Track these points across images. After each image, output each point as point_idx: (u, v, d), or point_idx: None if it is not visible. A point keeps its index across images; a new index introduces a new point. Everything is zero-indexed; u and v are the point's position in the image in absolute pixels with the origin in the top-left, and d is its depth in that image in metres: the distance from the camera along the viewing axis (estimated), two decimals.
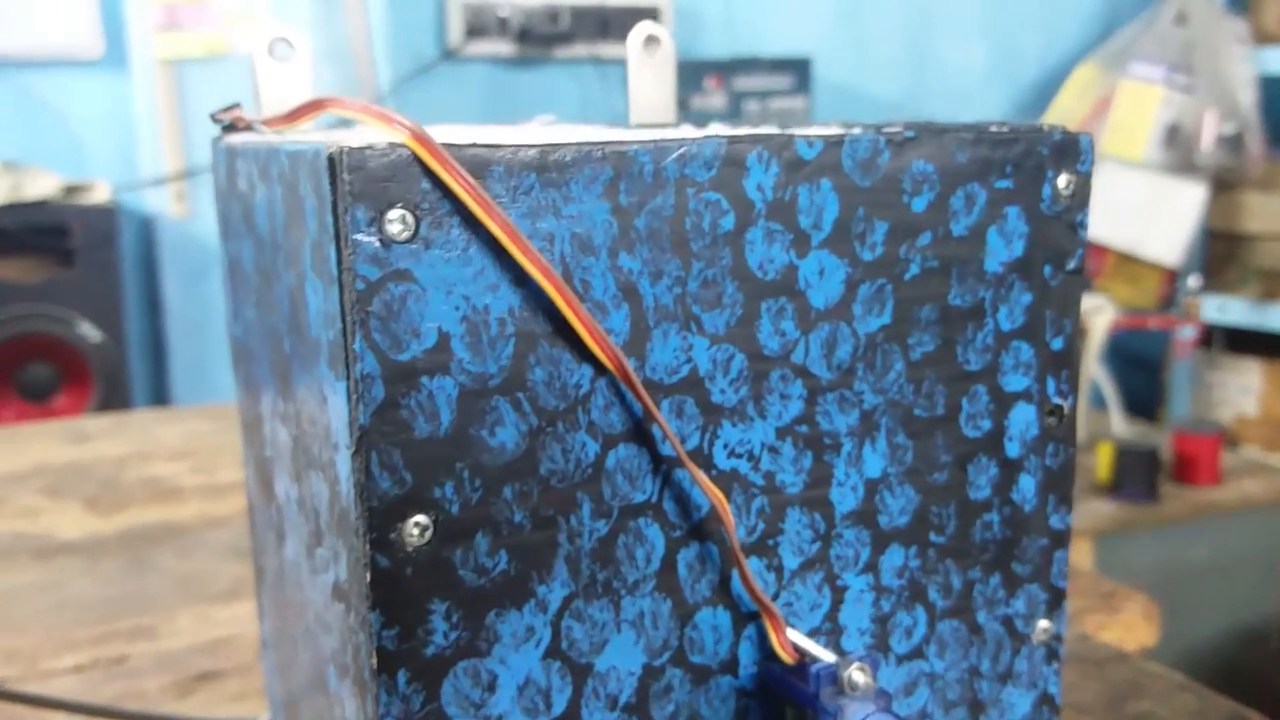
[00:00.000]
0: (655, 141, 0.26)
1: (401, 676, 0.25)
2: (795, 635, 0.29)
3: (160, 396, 1.87)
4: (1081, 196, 0.32)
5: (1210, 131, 1.87)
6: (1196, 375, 2.08)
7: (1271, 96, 1.91)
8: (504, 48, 1.84)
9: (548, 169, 0.25)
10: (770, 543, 0.29)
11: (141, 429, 1.10)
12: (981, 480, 0.32)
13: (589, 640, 0.27)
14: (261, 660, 0.43)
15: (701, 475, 0.27)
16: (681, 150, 0.26)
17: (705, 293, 0.27)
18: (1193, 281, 1.99)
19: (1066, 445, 0.33)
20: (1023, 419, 0.32)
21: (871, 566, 0.30)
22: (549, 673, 0.27)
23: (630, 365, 0.26)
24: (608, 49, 1.90)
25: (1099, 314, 1.89)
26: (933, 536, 0.31)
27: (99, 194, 1.65)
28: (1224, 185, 1.94)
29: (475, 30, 1.83)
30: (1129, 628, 0.61)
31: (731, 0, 2.00)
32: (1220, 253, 2.03)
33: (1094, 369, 1.91)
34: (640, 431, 0.27)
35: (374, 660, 0.25)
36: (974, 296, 0.31)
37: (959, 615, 0.32)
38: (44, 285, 1.60)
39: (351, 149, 0.23)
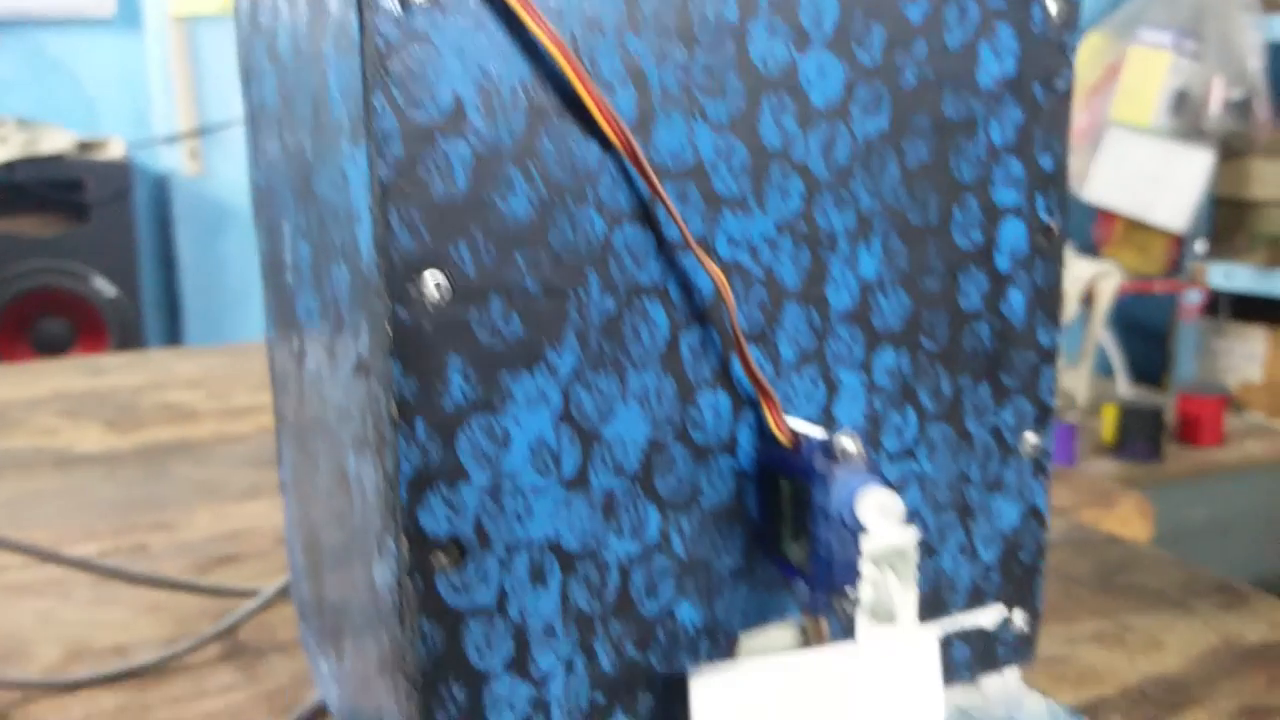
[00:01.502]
0: None
1: (420, 426, 0.27)
2: (791, 419, 0.30)
3: None
4: (1070, 21, 0.33)
5: (1218, 97, 1.87)
6: (1202, 342, 2.09)
7: (1279, 64, 1.91)
8: None
9: None
10: (768, 334, 0.30)
11: (158, 363, 1.12)
12: (972, 290, 0.33)
13: (597, 409, 0.29)
14: (284, 507, 0.44)
15: (704, 255, 0.29)
16: None
17: (709, 82, 0.28)
18: (1199, 247, 2.00)
19: (1055, 264, 0.34)
20: (1013, 234, 0.33)
21: (865, 366, 0.32)
22: (559, 435, 0.28)
23: (637, 145, 0.28)
24: None
25: (1106, 279, 1.90)
26: (924, 341, 0.33)
27: (113, 150, 1.67)
28: (1231, 152, 1.95)
29: None
30: (1124, 521, 0.63)
31: None
32: (1227, 220, 2.03)
33: (1100, 334, 1.92)
34: (646, 215, 0.28)
35: (394, 409, 0.26)
36: (967, 109, 0.32)
37: (949, 420, 0.34)
38: (59, 240, 1.62)
39: None
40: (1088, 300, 1.90)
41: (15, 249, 1.60)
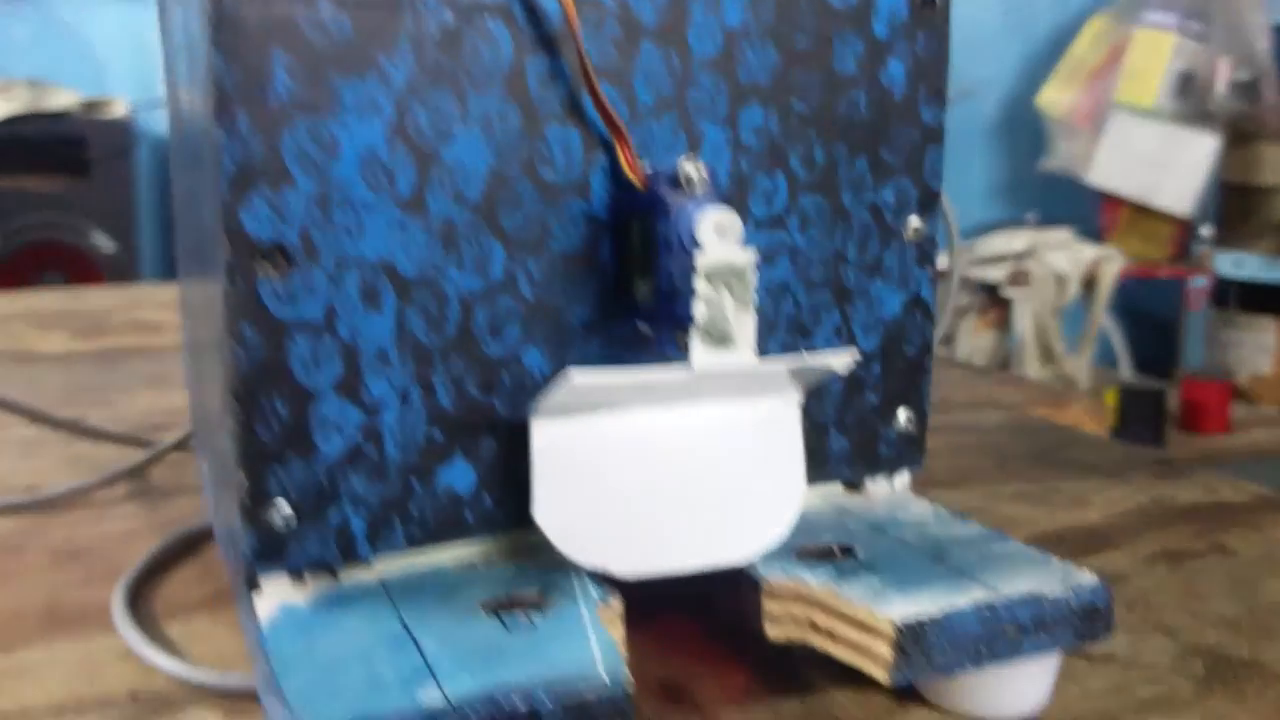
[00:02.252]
0: None
1: (242, 119, 0.26)
2: (644, 163, 0.30)
3: None
4: None
5: (1224, 79, 1.85)
6: (1212, 334, 2.06)
7: None
8: None
9: None
10: (624, 74, 0.30)
11: (139, 292, 1.12)
12: (847, 55, 0.32)
13: (434, 128, 0.28)
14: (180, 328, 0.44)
15: None
16: None
17: None
18: (1205, 231, 1.97)
19: (938, 39, 0.33)
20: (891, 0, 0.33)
21: (730, 121, 0.31)
22: (393, 150, 0.27)
23: None
24: None
25: (1108, 263, 1.88)
26: (795, 103, 0.32)
27: (117, 109, 1.69)
28: (1240, 136, 1.92)
29: None
30: (1075, 422, 0.62)
31: None
32: (1235, 206, 2.01)
33: (1103, 321, 1.90)
34: None
35: (215, 99, 0.26)
36: None
37: (822, 191, 0.33)
38: (60, 195, 1.63)
39: None
40: (1089, 285, 1.88)
41: (17, 203, 1.61)
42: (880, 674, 0.27)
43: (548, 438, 0.29)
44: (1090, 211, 2.07)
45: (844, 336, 0.34)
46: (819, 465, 0.34)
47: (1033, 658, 0.29)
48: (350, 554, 0.29)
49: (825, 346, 0.34)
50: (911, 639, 0.27)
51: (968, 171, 2.23)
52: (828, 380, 0.31)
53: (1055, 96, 2.04)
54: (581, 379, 0.26)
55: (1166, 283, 2.01)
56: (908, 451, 0.36)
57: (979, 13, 2.13)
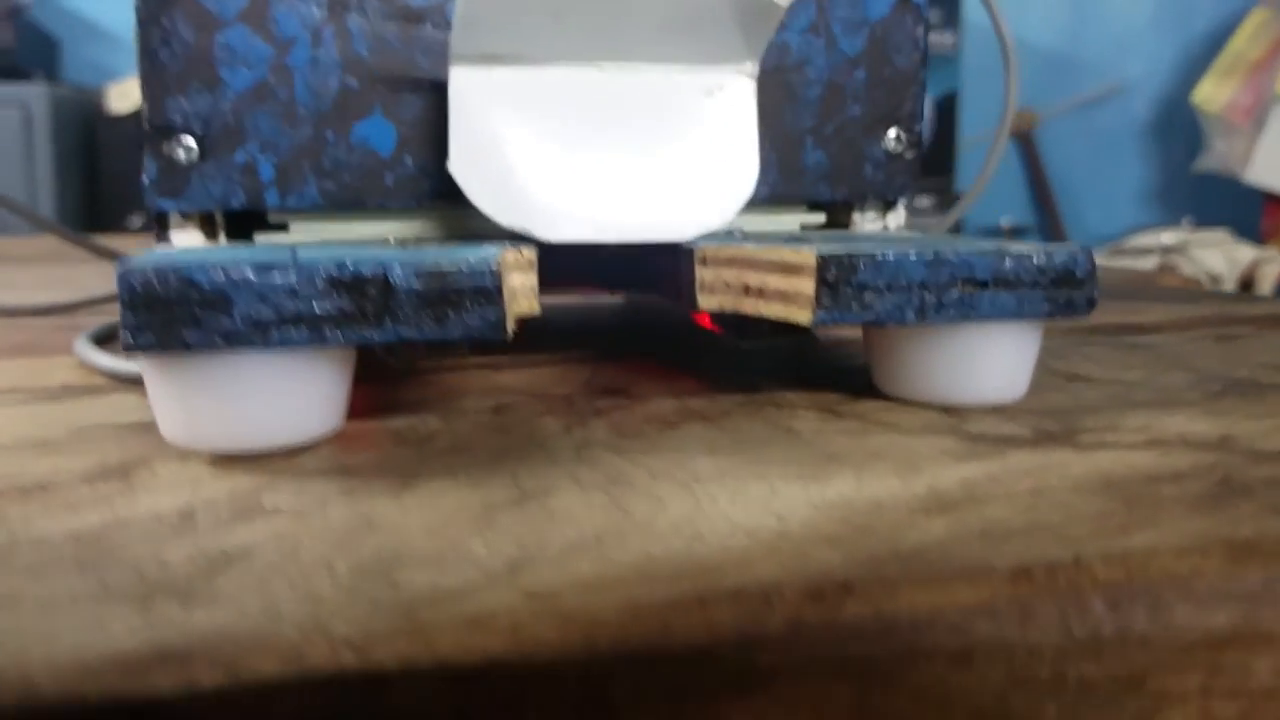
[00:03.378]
0: None
1: None
2: None
3: None
4: None
5: None
6: None
7: None
8: None
9: None
10: None
11: None
12: None
13: None
14: None
15: None
16: None
17: None
18: None
19: None
20: None
21: None
22: None
23: None
24: None
25: (1267, 265, 1.75)
26: None
27: None
28: None
29: None
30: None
31: None
32: None
33: None
34: None
35: None
36: None
37: None
38: None
39: None
40: (1246, 288, 1.75)
41: None
42: (803, 315, 0.24)
43: (465, 82, 0.27)
44: (1250, 214, 1.94)
45: (820, 34, 0.31)
46: (792, 179, 0.31)
47: (994, 325, 0.25)
48: (257, 199, 0.27)
49: (799, 43, 0.31)
50: (838, 270, 0.24)
51: (1118, 173, 2.13)
52: (771, 23, 0.28)
53: (1212, 92, 1.92)
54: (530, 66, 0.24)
55: None
56: (897, 177, 0.32)
57: (1131, 8, 2.04)
